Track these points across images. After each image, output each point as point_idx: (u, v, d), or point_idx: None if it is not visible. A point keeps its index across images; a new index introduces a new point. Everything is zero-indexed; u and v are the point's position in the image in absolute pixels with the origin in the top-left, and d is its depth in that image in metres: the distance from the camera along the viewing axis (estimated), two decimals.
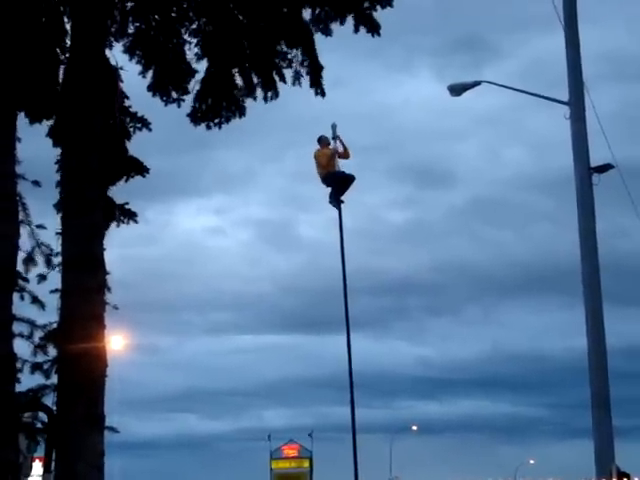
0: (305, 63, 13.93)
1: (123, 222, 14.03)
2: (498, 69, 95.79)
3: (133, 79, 13.89)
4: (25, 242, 12.98)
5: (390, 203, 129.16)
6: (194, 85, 13.98)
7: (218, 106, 14.14)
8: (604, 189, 14.61)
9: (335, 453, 52.96)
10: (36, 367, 12.82)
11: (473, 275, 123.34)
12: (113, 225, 13.81)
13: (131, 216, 14.17)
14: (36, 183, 12.61)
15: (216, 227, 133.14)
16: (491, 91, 16.42)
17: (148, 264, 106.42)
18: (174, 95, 14.10)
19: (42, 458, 15.32)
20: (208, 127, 14.38)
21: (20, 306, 12.37)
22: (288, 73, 14.07)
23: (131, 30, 13.77)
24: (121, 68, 13.51)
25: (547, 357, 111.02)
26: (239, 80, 14.07)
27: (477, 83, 15.85)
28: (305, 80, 14.04)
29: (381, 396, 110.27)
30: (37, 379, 12.80)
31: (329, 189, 16.28)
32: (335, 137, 16.32)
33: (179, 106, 14.12)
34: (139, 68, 13.88)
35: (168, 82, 14.01)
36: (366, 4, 13.57)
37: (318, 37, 13.95)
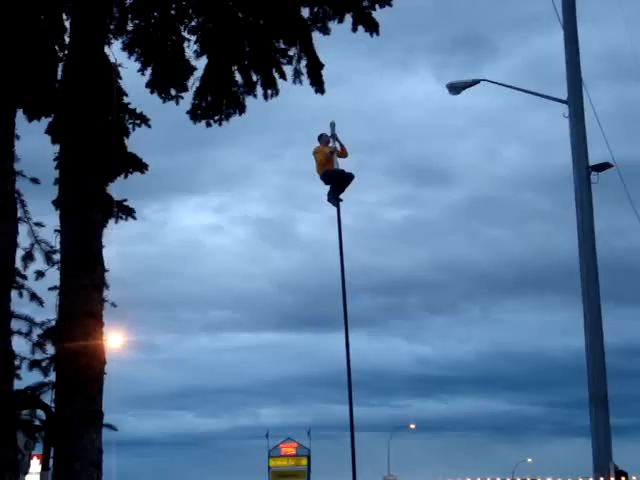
0: (303, 60, 13.93)
1: (121, 218, 14.02)
2: (497, 68, 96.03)
3: (132, 76, 13.90)
4: (24, 239, 12.94)
5: (388, 201, 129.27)
6: (193, 82, 13.98)
7: (218, 103, 14.13)
8: (602, 188, 14.64)
9: (333, 451, 53.07)
10: (34, 364, 12.79)
11: (471, 273, 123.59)
12: (112, 222, 13.81)
13: (129, 212, 14.15)
14: (35, 181, 12.58)
15: (215, 225, 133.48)
16: (489, 90, 16.47)
17: (147, 262, 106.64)
18: (173, 92, 14.10)
19: (40, 455, 15.30)
20: (208, 124, 14.37)
21: (18, 303, 12.35)
22: (289, 71, 14.09)
23: (130, 27, 13.76)
24: (120, 65, 13.51)
25: (545, 355, 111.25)
26: (239, 77, 14.07)
27: (476, 82, 15.87)
28: (305, 78, 14.04)
29: (379, 394, 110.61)
30: (35, 376, 12.79)
31: (328, 187, 16.29)
32: (333, 135, 16.33)
33: (177, 103, 14.12)
34: (138, 65, 13.88)
35: (167, 79, 14.00)
36: (365, 3, 13.55)
37: (317, 36, 13.96)
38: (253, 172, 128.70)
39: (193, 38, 13.84)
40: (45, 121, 13.48)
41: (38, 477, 13.27)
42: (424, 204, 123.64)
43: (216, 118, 14.30)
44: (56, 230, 12.59)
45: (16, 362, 11.69)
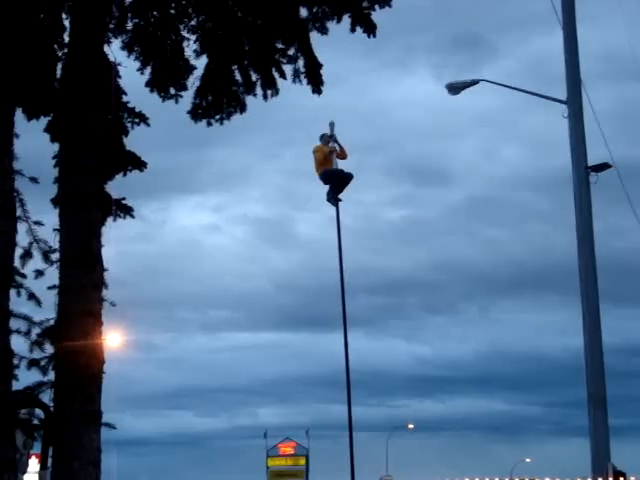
0: (301, 60, 13.93)
1: (119, 217, 14.01)
2: (496, 68, 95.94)
3: (131, 75, 13.90)
4: (23, 238, 12.93)
5: (387, 201, 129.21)
6: (193, 82, 13.99)
7: (219, 102, 14.13)
8: (601, 188, 14.64)
9: (331, 451, 53.07)
10: (33, 364, 12.78)
11: (470, 274, 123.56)
12: (110, 222, 13.79)
13: (127, 211, 14.14)
14: (34, 179, 12.58)
15: (213, 224, 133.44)
16: (488, 90, 16.47)
17: (145, 261, 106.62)
18: (172, 91, 14.10)
19: (38, 455, 15.29)
20: (209, 124, 14.38)
21: (17, 302, 12.34)
22: (288, 70, 14.09)
23: (130, 26, 13.76)
24: (119, 64, 13.51)
25: (544, 356, 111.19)
26: (238, 77, 14.07)
27: (475, 82, 15.87)
28: (304, 77, 14.05)
29: (377, 394, 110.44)
30: (34, 376, 12.78)
31: (327, 187, 16.29)
32: (332, 136, 16.32)
33: (177, 102, 14.14)
34: (137, 64, 13.88)
35: (166, 78, 14.00)
36: (365, 4, 13.56)
37: (315, 36, 13.96)
38: (252, 172, 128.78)
39: (193, 37, 13.86)
40: (44, 120, 13.49)
41: (37, 476, 13.26)
42: (423, 204, 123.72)
43: (217, 117, 14.30)
44: (55, 229, 12.59)
45: (15, 361, 11.68)
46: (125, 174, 14.16)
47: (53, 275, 12.55)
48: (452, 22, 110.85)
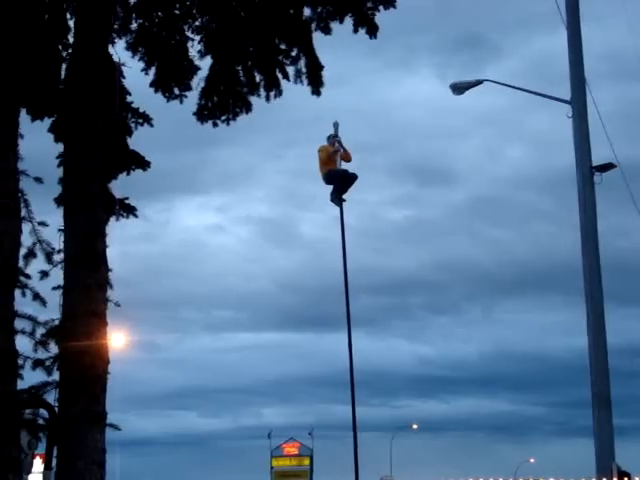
0: (302, 60, 13.95)
1: (123, 216, 14.01)
2: (500, 68, 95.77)
3: (135, 76, 13.91)
4: (27, 239, 12.93)
5: (390, 201, 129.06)
6: (197, 82, 14.02)
7: (225, 103, 14.15)
8: (605, 188, 14.64)
9: (335, 451, 53.08)
10: (38, 364, 12.76)
11: (474, 274, 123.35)
12: (115, 223, 13.79)
13: (130, 210, 14.13)
14: (38, 180, 12.59)
15: (217, 225, 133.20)
16: (492, 90, 16.47)
17: (149, 261, 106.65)
18: (176, 92, 14.13)
19: (43, 455, 15.30)
20: (215, 124, 14.39)
21: (22, 303, 12.35)
22: (290, 71, 14.10)
23: (134, 27, 13.78)
24: (123, 64, 13.52)
25: (548, 356, 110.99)
26: (243, 78, 14.08)
27: (479, 82, 15.87)
28: (306, 78, 14.06)
29: (381, 394, 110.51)
30: (39, 376, 12.77)
31: (330, 187, 16.28)
32: (335, 136, 16.30)
33: (181, 102, 14.16)
34: (142, 65, 13.91)
35: (170, 79, 14.02)
36: (369, 4, 13.57)
37: (319, 36, 13.98)
38: (256, 172, 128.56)
39: (197, 38, 13.88)
40: (48, 120, 13.51)
41: (41, 477, 13.26)
42: (426, 204, 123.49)
43: (223, 118, 14.32)
44: (60, 229, 12.60)
45: (19, 361, 11.68)
46: (129, 173, 14.18)
47: (58, 275, 12.57)
48: (455, 22, 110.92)
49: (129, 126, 14.11)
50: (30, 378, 12.59)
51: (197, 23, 13.87)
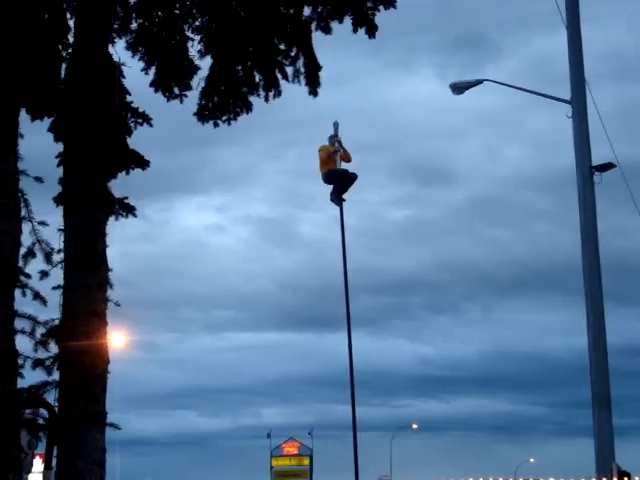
0: (301, 60, 13.95)
1: (122, 216, 14.01)
2: (500, 67, 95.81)
3: (134, 75, 13.92)
4: (26, 238, 12.93)
5: (391, 201, 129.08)
6: (198, 82, 14.02)
7: (225, 103, 14.14)
8: (605, 188, 14.64)
9: (335, 451, 53.08)
10: (38, 363, 12.76)
11: (473, 273, 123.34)
12: (115, 222, 13.79)
13: (130, 210, 14.13)
14: (38, 179, 12.59)
15: (217, 224, 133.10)
16: (492, 89, 16.46)
17: (149, 261, 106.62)
18: (176, 91, 14.13)
19: (43, 455, 15.30)
20: (215, 124, 14.39)
21: (22, 302, 12.36)
22: (289, 71, 14.10)
23: (134, 26, 13.78)
24: (123, 64, 13.52)
25: (548, 356, 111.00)
26: (242, 77, 14.08)
27: (479, 82, 15.87)
28: (303, 78, 14.07)
29: (381, 394, 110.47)
30: (39, 375, 12.77)
31: (330, 187, 16.28)
32: (335, 136, 16.30)
33: (182, 102, 14.16)
34: (141, 65, 13.91)
35: (170, 78, 14.02)
36: (369, 4, 13.57)
37: (319, 36, 13.98)
38: (255, 172, 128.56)
39: (197, 38, 13.88)
40: (48, 120, 13.51)
41: (41, 476, 13.26)
42: (426, 204, 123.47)
43: (224, 118, 14.31)
44: (60, 229, 12.60)
45: (19, 361, 11.68)
46: (128, 173, 14.17)
47: (58, 275, 12.58)
48: (455, 22, 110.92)
49: (129, 126, 14.11)
50: (30, 378, 12.60)
51: (197, 23, 13.88)
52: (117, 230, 13.48)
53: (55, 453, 11.94)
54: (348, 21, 13.73)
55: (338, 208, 16.06)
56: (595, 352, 13.91)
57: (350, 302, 15.71)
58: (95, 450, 11.56)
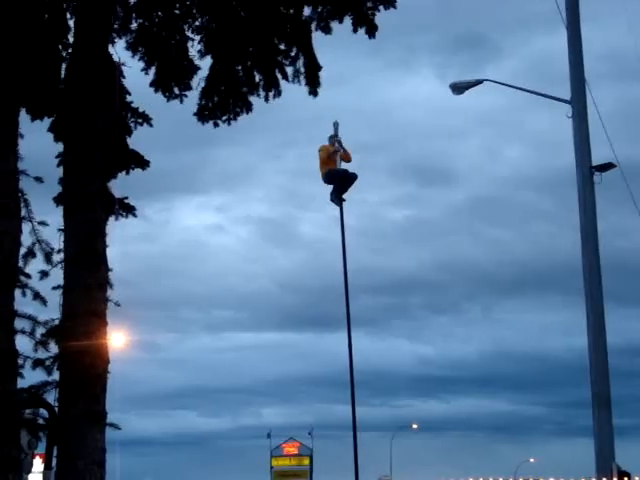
0: (301, 60, 13.95)
1: (122, 216, 14.01)
2: (500, 67, 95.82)
3: (134, 75, 13.92)
4: (26, 238, 12.93)
5: (391, 201, 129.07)
6: (198, 82, 14.02)
7: (225, 103, 14.14)
8: (605, 188, 14.64)
9: (335, 451, 53.08)
10: (37, 363, 12.76)
11: (474, 274, 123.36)
12: (115, 222, 13.78)
13: (130, 210, 14.13)
14: (38, 179, 12.59)
15: (217, 224, 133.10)
16: (492, 89, 16.46)
17: (149, 261, 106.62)
18: (176, 91, 14.13)
19: (43, 455, 15.30)
20: (216, 124, 14.38)
21: (22, 302, 12.36)
22: (289, 71, 14.10)
23: (134, 26, 13.78)
24: (123, 64, 13.52)
25: (548, 356, 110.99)
26: (242, 77, 14.08)
27: (479, 82, 15.87)
28: (303, 78, 14.07)
29: (381, 394, 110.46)
30: (39, 375, 12.77)
31: (330, 187, 16.28)
32: (335, 136, 16.30)
33: (181, 102, 14.16)
34: (141, 65, 13.91)
35: (171, 78, 14.03)
36: (369, 4, 13.57)
37: (319, 35, 13.99)
38: (255, 172, 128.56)
39: (197, 38, 13.88)
40: (48, 120, 13.50)
41: (41, 476, 13.26)
42: (426, 204, 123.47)
43: (224, 118, 14.31)
44: (60, 229, 12.60)
45: (19, 361, 11.68)
46: (128, 172, 14.17)
47: (58, 275, 12.58)
48: (455, 22, 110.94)
49: (129, 126, 14.11)
50: (30, 378, 12.60)
51: (197, 23, 13.88)
52: (117, 230, 13.49)
53: (55, 453, 11.94)
54: (348, 21, 13.74)
55: (338, 208, 16.06)
56: (595, 352, 13.91)
57: (350, 302, 15.72)
58: (95, 450, 11.56)
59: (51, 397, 12.43)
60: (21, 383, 11.77)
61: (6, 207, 10.85)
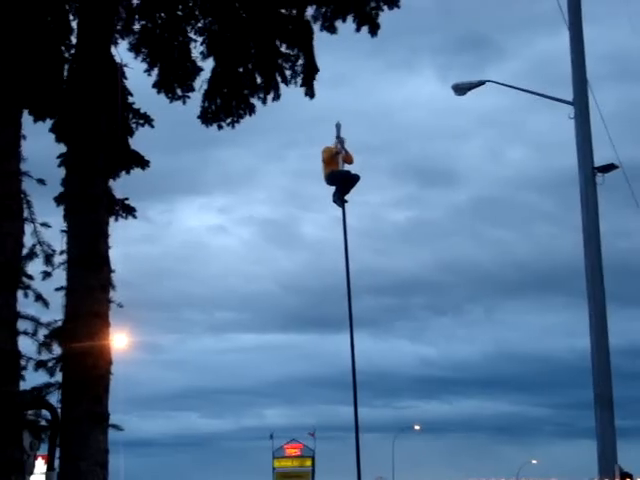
0: (300, 61, 13.96)
1: (122, 217, 14.01)
2: (502, 68, 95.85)
3: (137, 77, 13.92)
4: (28, 239, 12.94)
5: (392, 202, 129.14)
6: (201, 84, 14.02)
7: (228, 105, 14.14)
8: (608, 189, 14.62)
9: (338, 452, 53.06)
10: (40, 365, 12.77)
11: (476, 275, 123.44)
12: (118, 224, 13.79)
13: (130, 211, 14.13)
14: (41, 181, 12.59)
15: (219, 226, 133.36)
16: (494, 90, 16.44)
17: (151, 262, 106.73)
18: (179, 93, 14.14)
19: (45, 456, 15.31)
20: (220, 127, 14.38)
21: (24, 304, 12.36)
22: (288, 73, 14.10)
23: (137, 28, 13.79)
24: (125, 65, 13.53)
25: (550, 357, 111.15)
26: (244, 80, 14.08)
27: (481, 82, 15.86)
28: (300, 80, 14.09)
29: (383, 395, 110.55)
30: (41, 377, 12.78)
31: (332, 188, 16.27)
32: (338, 137, 16.30)
33: (184, 103, 14.17)
34: (144, 66, 13.92)
35: (173, 80, 14.04)
36: (372, 4, 13.58)
37: (322, 35, 13.98)
38: (257, 173, 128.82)
39: (199, 39, 13.89)
40: (50, 121, 13.51)
41: (44, 478, 13.26)
42: (428, 205, 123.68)
43: (228, 121, 14.31)
44: (62, 230, 12.60)
45: (22, 362, 11.69)
46: (128, 172, 14.16)
47: (60, 276, 12.57)
48: (457, 23, 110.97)
49: (131, 127, 14.11)
50: (33, 379, 12.61)
51: (200, 24, 13.88)
52: (120, 231, 13.50)
53: (58, 454, 11.94)
54: (351, 21, 13.74)
55: (340, 209, 16.06)
56: (597, 353, 13.88)
57: (352, 303, 15.69)
58: (98, 451, 11.55)
59: (54, 398, 12.45)
60: (24, 384, 11.78)
61: (9, 208, 10.86)
